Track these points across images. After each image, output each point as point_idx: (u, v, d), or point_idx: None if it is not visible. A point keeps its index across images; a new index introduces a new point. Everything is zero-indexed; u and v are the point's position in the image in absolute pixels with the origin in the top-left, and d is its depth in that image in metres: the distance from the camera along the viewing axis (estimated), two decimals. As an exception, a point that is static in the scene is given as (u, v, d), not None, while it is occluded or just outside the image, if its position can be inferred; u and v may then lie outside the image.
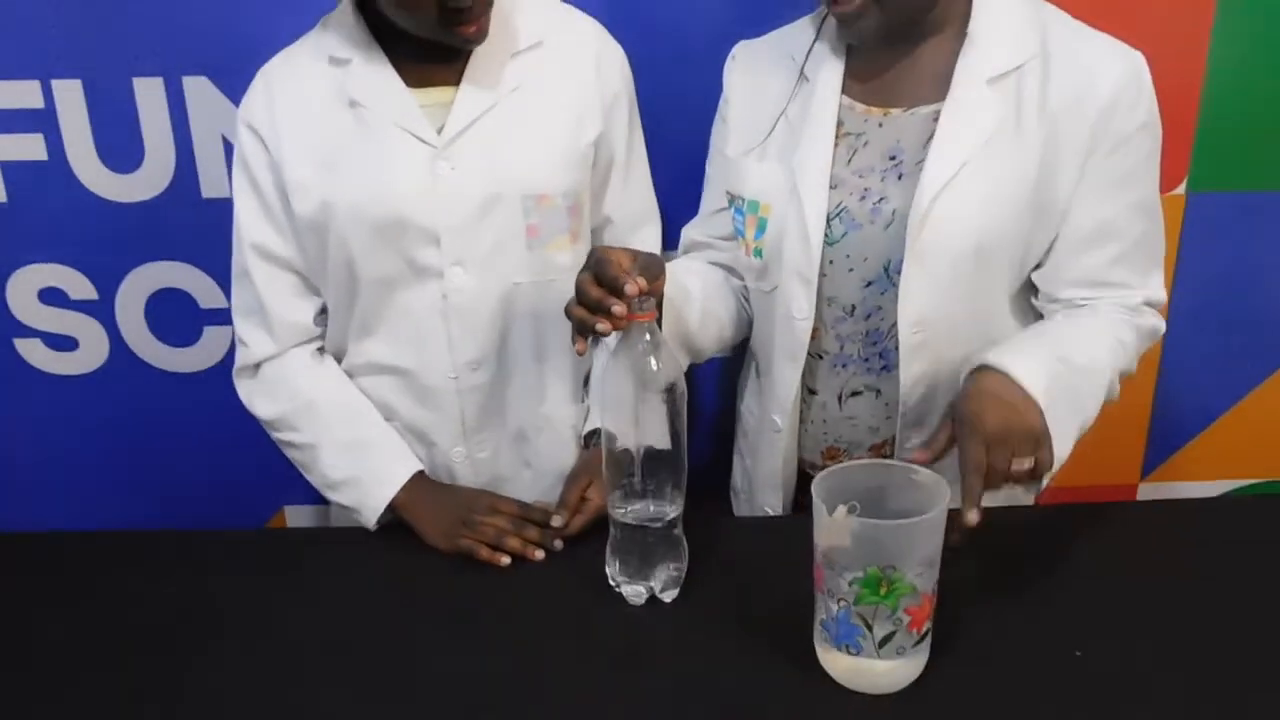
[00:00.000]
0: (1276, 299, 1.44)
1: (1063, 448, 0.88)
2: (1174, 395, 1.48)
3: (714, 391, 1.42)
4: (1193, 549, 0.98)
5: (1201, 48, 1.32)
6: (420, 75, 1.01)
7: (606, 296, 0.84)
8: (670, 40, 1.26)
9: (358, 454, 1.06)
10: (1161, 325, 1.04)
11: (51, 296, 1.40)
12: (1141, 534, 1.01)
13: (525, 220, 1.02)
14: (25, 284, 1.39)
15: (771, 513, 1.12)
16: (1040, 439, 0.85)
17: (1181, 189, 1.37)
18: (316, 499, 1.46)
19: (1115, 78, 0.93)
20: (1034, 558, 0.95)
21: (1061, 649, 0.82)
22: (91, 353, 1.44)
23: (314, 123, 1.01)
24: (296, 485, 1.46)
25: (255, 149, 1.03)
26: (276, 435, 1.11)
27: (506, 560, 0.95)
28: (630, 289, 0.83)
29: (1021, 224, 0.96)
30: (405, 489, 1.03)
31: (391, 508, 1.03)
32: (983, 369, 0.90)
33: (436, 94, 1.02)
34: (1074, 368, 0.92)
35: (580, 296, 0.86)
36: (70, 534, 1.06)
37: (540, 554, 0.96)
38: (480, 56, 1.01)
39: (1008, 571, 0.92)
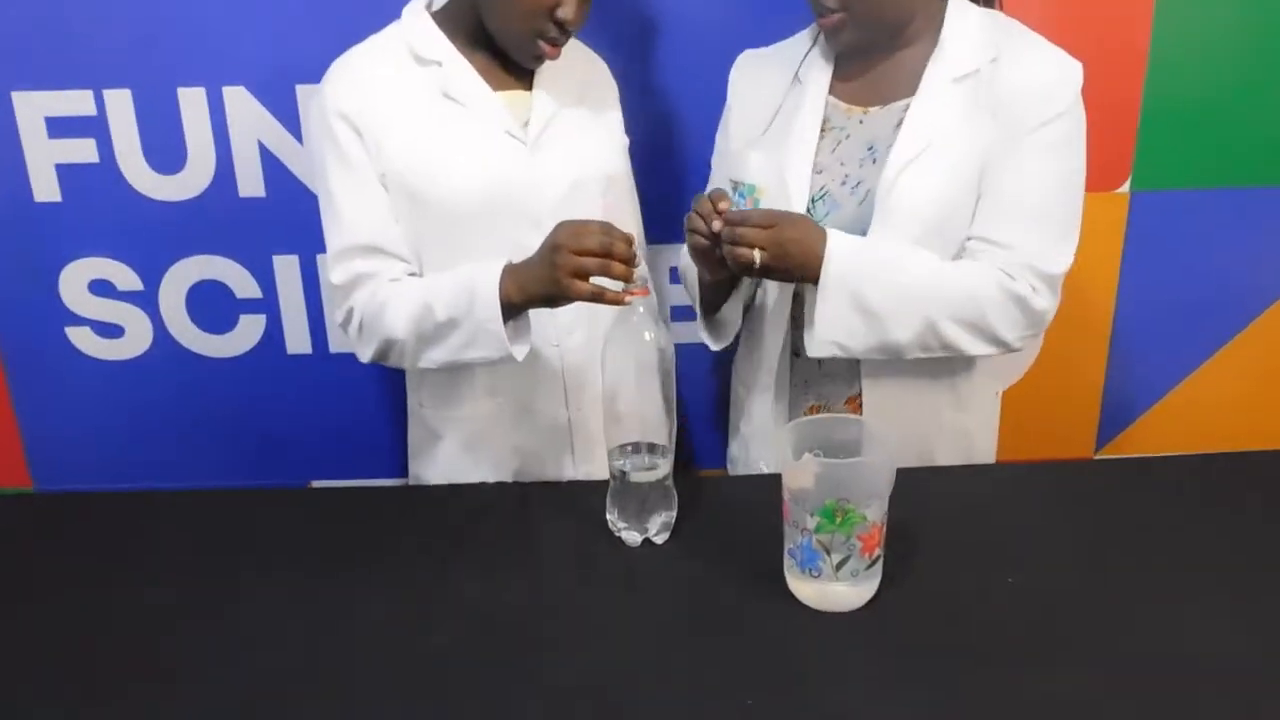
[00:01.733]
0: (1216, 286, 1.57)
1: (821, 311, 1.06)
2: (1124, 373, 1.61)
3: (713, 388, 1.55)
4: (1127, 497, 1.09)
5: (1141, 55, 1.44)
6: (495, 79, 1.16)
7: (629, 272, 0.98)
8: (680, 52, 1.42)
9: (456, 284, 1.09)
10: (1039, 300, 1.08)
11: (100, 288, 1.53)
12: (1079, 488, 1.13)
13: (602, 200, 1.16)
14: (76, 276, 1.52)
15: (766, 469, 1.25)
16: (785, 260, 1.03)
17: (1125, 188, 1.50)
18: (341, 474, 1.59)
19: (1048, 74, 1.08)
20: (981, 508, 1.08)
21: (997, 577, 0.94)
22: (136, 340, 1.56)
23: (412, 116, 1.12)
24: (324, 463, 1.60)
25: (351, 138, 1.11)
26: (408, 337, 1.12)
27: (629, 300, 0.97)
28: (638, 272, 0.98)
29: (970, 198, 1.09)
30: (504, 275, 1.06)
31: (506, 303, 1.06)
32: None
33: (511, 96, 1.17)
34: (882, 266, 1.06)
35: (609, 274, 0.99)
36: (122, 493, 1.18)
37: (631, 298, 0.97)
38: (544, 66, 1.17)
39: (954, 518, 1.04)
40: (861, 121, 1.14)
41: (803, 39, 1.21)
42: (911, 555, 0.96)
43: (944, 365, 1.15)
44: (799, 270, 1.06)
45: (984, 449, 1.25)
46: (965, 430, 1.22)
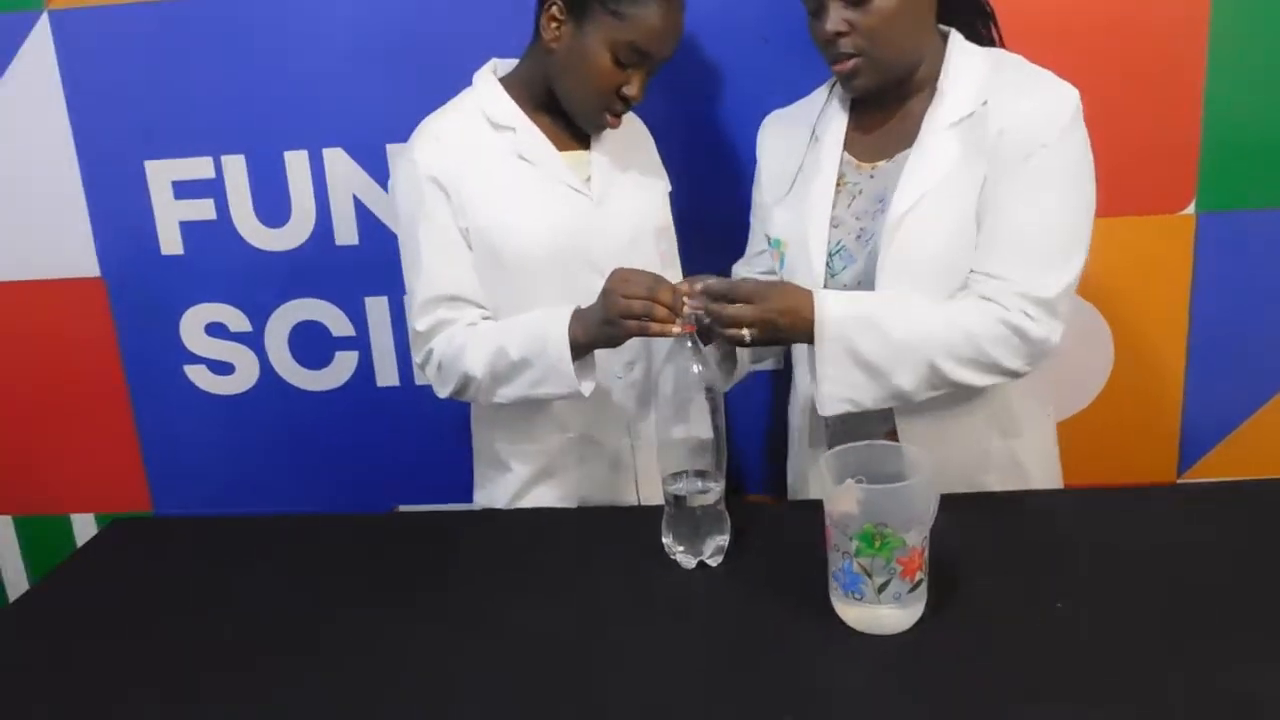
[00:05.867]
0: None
1: (824, 372, 1.08)
2: (1203, 396, 1.57)
3: (765, 417, 1.60)
4: (1186, 522, 1.08)
5: (1199, 74, 1.43)
6: (559, 140, 1.26)
7: (670, 315, 1.06)
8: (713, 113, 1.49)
9: (529, 328, 1.17)
10: (1037, 328, 1.08)
11: (215, 330, 1.68)
12: (1138, 513, 1.12)
13: (657, 248, 1.27)
14: (195, 320, 1.68)
15: (816, 495, 1.28)
16: (775, 330, 1.07)
17: (1191, 209, 1.49)
18: (425, 499, 1.70)
19: (1035, 108, 1.09)
20: (1032, 533, 1.08)
21: (1045, 604, 0.94)
22: (245, 376, 1.70)
23: (491, 176, 1.22)
24: (408, 487, 1.71)
25: (438, 198, 1.21)
26: (484, 376, 1.19)
27: (677, 329, 1.05)
28: (686, 309, 1.05)
29: (972, 237, 1.11)
30: (571, 319, 1.15)
31: (574, 345, 1.14)
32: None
33: (573, 156, 1.27)
34: (873, 320, 1.08)
35: (649, 313, 1.06)
36: (228, 518, 1.30)
37: (677, 329, 1.05)
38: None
39: (1005, 544, 1.05)
40: (872, 176, 1.18)
41: (820, 94, 1.26)
42: (960, 580, 0.98)
43: (980, 394, 1.16)
44: (792, 337, 1.11)
45: (1041, 476, 1.24)
46: (1016, 459, 1.22)
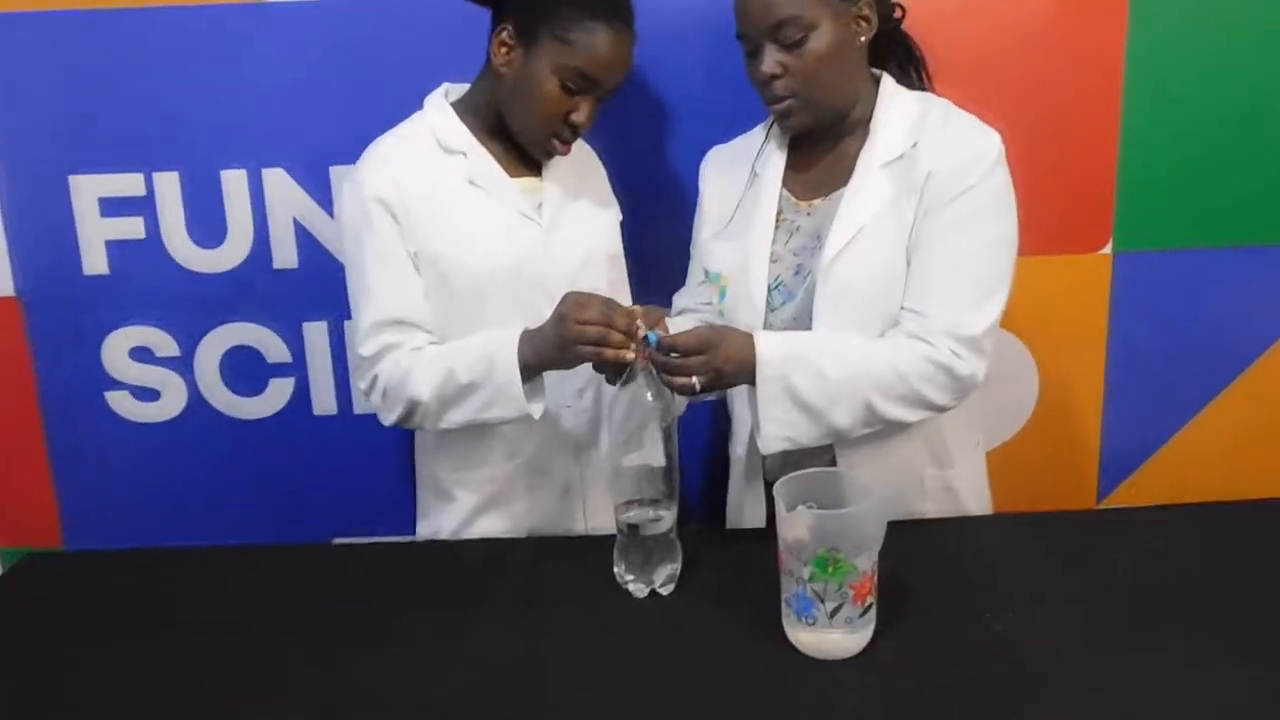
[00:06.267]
0: (1203, 341, 1.62)
1: (766, 413, 1.11)
2: (1120, 427, 1.66)
3: (706, 446, 1.61)
4: (1112, 545, 1.13)
5: (1114, 120, 1.52)
6: (511, 167, 1.27)
7: (625, 340, 1.05)
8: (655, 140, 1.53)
9: (476, 350, 1.17)
10: (962, 365, 1.12)
11: (140, 354, 1.61)
12: (1065, 537, 1.18)
13: (607, 275, 1.28)
14: (119, 343, 1.61)
15: (753, 525, 1.30)
16: (721, 377, 1.09)
17: (1108, 249, 1.58)
18: (363, 532, 1.66)
19: (961, 152, 1.14)
20: (969, 558, 1.13)
21: (984, 625, 0.98)
22: (172, 402, 1.64)
23: (441, 201, 1.22)
24: (345, 520, 1.66)
25: (386, 221, 1.20)
26: (431, 400, 1.18)
27: (630, 355, 1.05)
28: (639, 334, 1.05)
29: (902, 275, 1.15)
30: (520, 341, 1.14)
31: (523, 366, 1.13)
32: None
33: (525, 182, 1.27)
34: (809, 362, 1.10)
35: (604, 339, 1.06)
36: (151, 550, 1.26)
37: (631, 355, 1.05)
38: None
39: (944, 569, 1.09)
40: (809, 214, 1.22)
41: (759, 132, 1.30)
42: (903, 605, 1.01)
43: (914, 425, 1.19)
44: (736, 380, 1.13)
45: (974, 505, 1.29)
46: (950, 486, 1.26)
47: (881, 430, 1.17)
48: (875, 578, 0.95)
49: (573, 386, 1.29)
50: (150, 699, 0.94)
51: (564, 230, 1.28)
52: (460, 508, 1.30)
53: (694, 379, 1.07)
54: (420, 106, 1.28)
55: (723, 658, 0.96)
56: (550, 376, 1.20)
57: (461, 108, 1.27)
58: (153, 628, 1.06)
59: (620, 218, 1.37)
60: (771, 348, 1.11)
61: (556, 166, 1.29)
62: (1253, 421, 1.65)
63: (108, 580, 1.18)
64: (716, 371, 1.09)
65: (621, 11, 1.19)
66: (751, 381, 1.12)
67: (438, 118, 1.26)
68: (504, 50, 1.19)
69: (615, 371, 1.09)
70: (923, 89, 1.26)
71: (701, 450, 1.60)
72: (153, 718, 0.91)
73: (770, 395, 1.11)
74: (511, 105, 1.22)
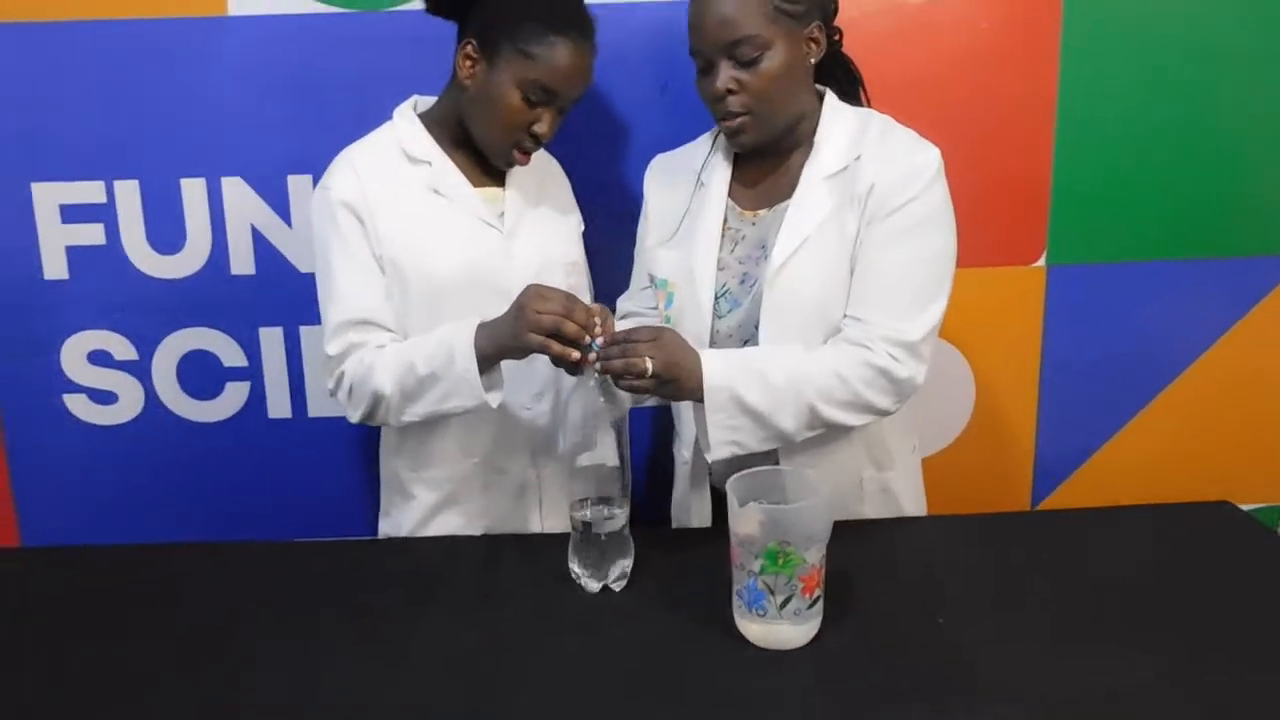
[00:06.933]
0: (1134, 351, 1.69)
1: (713, 419, 1.13)
2: (1054, 435, 1.73)
3: (651, 438, 1.65)
4: (1055, 550, 1.18)
5: (1048, 137, 1.59)
6: (474, 177, 1.30)
7: (580, 332, 1.08)
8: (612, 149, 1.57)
9: (434, 342, 1.18)
10: (901, 369, 1.16)
11: (98, 358, 1.61)
12: (1002, 537, 1.23)
13: (566, 281, 1.30)
14: (77, 347, 1.60)
15: (699, 525, 1.34)
16: (668, 368, 1.10)
17: (1041, 262, 1.65)
18: (318, 533, 1.66)
19: (900, 165, 1.18)
20: (911, 556, 1.18)
21: (927, 619, 1.03)
22: (129, 406, 1.64)
23: (405, 207, 1.25)
24: (300, 522, 1.67)
25: (352, 225, 1.23)
26: (393, 394, 1.20)
27: (576, 355, 1.08)
28: (595, 335, 1.08)
29: (845, 284, 1.19)
30: (478, 331, 1.16)
31: (481, 356, 1.15)
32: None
33: (488, 192, 1.31)
34: (754, 371, 1.13)
35: (561, 332, 1.08)
36: (113, 547, 1.27)
37: (576, 355, 1.08)
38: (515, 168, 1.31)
39: (888, 566, 1.14)
40: (754, 224, 1.26)
41: (703, 142, 1.34)
42: (848, 601, 1.05)
43: (855, 429, 1.23)
44: (686, 380, 1.12)
45: (910, 507, 1.34)
46: (887, 488, 1.31)
47: (824, 434, 1.21)
48: (823, 571, 0.99)
49: (531, 391, 1.32)
50: (112, 691, 0.95)
51: (524, 237, 1.31)
52: (418, 506, 1.33)
53: (646, 361, 1.08)
54: (378, 118, 1.31)
55: (674, 649, 0.99)
56: (510, 380, 1.23)
57: (428, 119, 1.30)
58: (115, 622, 1.07)
59: (582, 226, 1.41)
60: (717, 359, 1.15)
61: (519, 175, 1.33)
62: (1182, 429, 1.73)
63: (69, 576, 1.18)
64: (669, 355, 1.10)
65: (581, 26, 1.23)
66: (698, 394, 1.14)
67: (405, 128, 1.29)
68: (468, 64, 1.23)
69: (571, 366, 1.12)
70: (861, 105, 1.31)
71: (645, 453, 1.64)
72: (116, 708, 0.92)
73: (717, 404, 1.14)
74: (474, 116, 1.25)
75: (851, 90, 1.32)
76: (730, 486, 1.00)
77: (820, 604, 1.00)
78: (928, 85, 1.57)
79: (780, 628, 0.98)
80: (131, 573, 1.18)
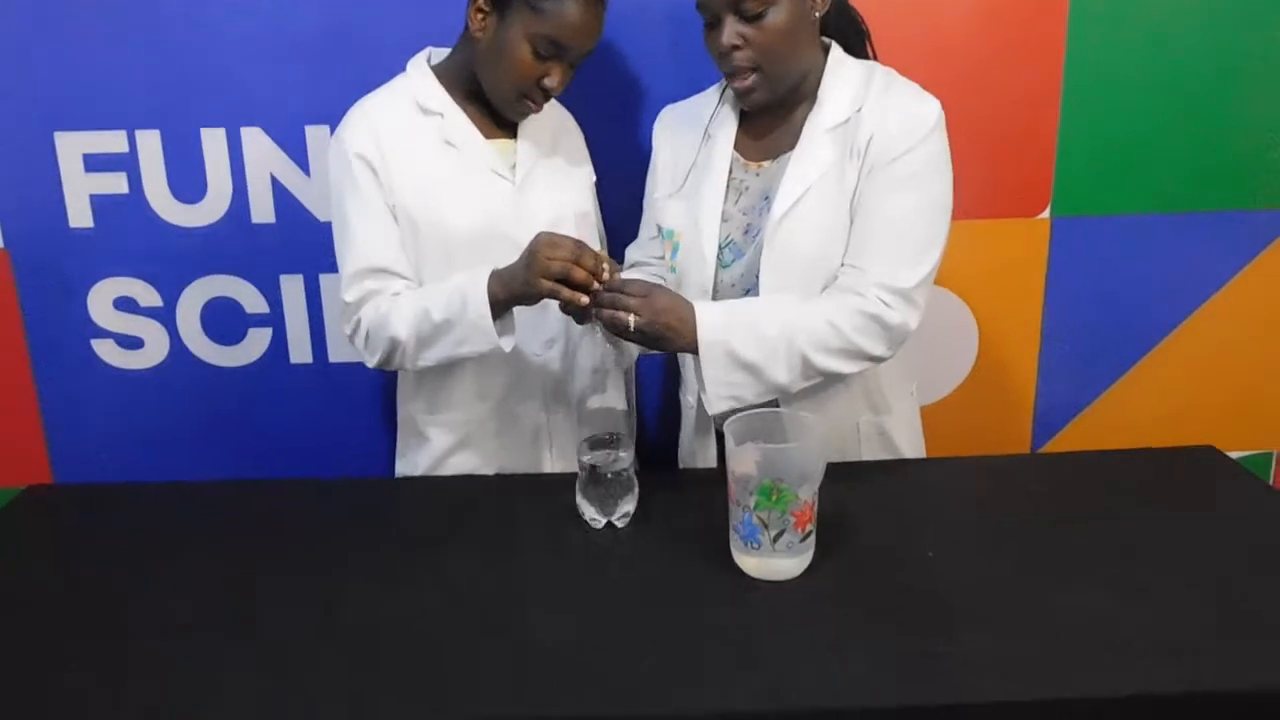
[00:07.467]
0: (1135, 302, 1.72)
1: (708, 374, 1.16)
2: (1054, 383, 1.76)
3: (661, 384, 1.68)
4: (1050, 490, 1.22)
5: (1055, 90, 1.60)
6: (486, 129, 1.33)
7: (588, 278, 1.13)
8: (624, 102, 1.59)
9: (450, 290, 1.22)
10: (893, 315, 1.18)
11: (124, 304, 1.66)
12: (994, 478, 1.27)
13: (577, 232, 1.32)
14: (104, 294, 1.66)
15: (704, 466, 1.38)
16: (655, 326, 1.14)
17: (1046, 214, 1.67)
18: (337, 474, 1.71)
19: (901, 116, 1.20)
20: (905, 495, 1.22)
21: (918, 553, 1.08)
22: (155, 351, 1.69)
23: (418, 158, 1.28)
24: (320, 465, 1.73)
25: (367, 175, 1.26)
26: (409, 339, 1.24)
27: (585, 300, 1.14)
28: (603, 279, 1.12)
29: (845, 234, 1.22)
30: (491, 278, 1.20)
31: (493, 302, 1.19)
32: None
33: (500, 144, 1.33)
34: (748, 323, 1.17)
35: (570, 278, 1.13)
36: (146, 485, 1.32)
37: (585, 299, 1.14)
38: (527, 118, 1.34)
39: (881, 505, 1.18)
40: (758, 175, 1.28)
41: (712, 94, 1.35)
42: (842, 536, 1.10)
43: (853, 374, 1.26)
44: (673, 335, 1.17)
45: (909, 451, 1.38)
46: (884, 431, 1.35)
47: (822, 381, 1.24)
48: (815, 507, 1.04)
49: (543, 337, 1.36)
50: (138, 623, 1.00)
51: (536, 189, 1.34)
52: (435, 448, 1.38)
53: (630, 317, 1.13)
54: (393, 69, 1.34)
55: (675, 581, 1.04)
56: (522, 327, 1.27)
57: (441, 70, 1.33)
58: (142, 556, 1.13)
59: (594, 178, 1.44)
60: (711, 314, 1.18)
61: (531, 127, 1.36)
62: (1179, 379, 1.76)
63: (99, 512, 1.24)
64: (654, 314, 1.14)
65: None
66: (690, 348, 1.18)
67: (418, 80, 1.32)
68: (479, 17, 1.25)
69: (579, 313, 1.16)
70: (867, 59, 1.32)
71: (655, 399, 1.68)
72: (141, 639, 0.98)
73: (712, 358, 1.17)
74: (485, 69, 1.28)
75: (858, 43, 1.33)
76: (728, 428, 1.05)
77: (812, 538, 1.05)
78: (934, 38, 1.57)
79: (774, 560, 1.03)
80: (157, 509, 1.24)
